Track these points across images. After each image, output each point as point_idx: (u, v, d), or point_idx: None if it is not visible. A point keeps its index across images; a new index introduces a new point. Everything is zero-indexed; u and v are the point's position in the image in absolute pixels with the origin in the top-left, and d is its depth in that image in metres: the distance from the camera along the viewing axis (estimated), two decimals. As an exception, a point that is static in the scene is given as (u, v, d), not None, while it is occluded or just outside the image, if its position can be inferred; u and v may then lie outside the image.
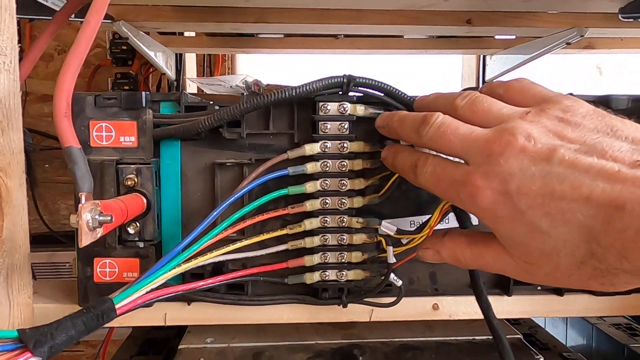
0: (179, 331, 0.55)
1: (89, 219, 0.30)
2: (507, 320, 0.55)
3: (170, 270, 0.35)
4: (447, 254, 0.33)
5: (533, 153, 0.26)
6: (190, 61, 1.10)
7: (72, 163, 0.32)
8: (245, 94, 0.56)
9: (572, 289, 0.45)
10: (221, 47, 0.95)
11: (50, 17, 0.45)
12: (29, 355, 0.28)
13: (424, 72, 1.36)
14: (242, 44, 0.92)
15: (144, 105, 0.40)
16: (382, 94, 0.40)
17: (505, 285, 0.45)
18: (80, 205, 0.30)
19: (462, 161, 0.29)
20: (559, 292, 0.45)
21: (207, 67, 1.24)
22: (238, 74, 1.28)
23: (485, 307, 0.37)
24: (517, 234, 0.27)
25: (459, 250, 0.32)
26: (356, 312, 0.44)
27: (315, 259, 0.41)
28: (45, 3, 0.46)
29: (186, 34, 0.97)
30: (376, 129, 0.40)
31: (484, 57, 1.08)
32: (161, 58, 0.90)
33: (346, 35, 0.93)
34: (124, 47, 1.18)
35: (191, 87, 1.06)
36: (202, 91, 0.96)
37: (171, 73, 0.97)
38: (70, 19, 0.46)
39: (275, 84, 0.72)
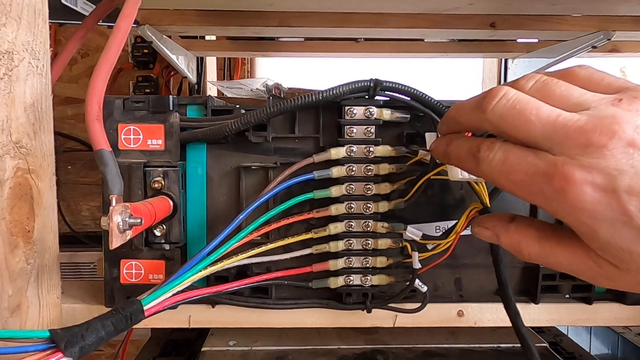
0: (201, 333, 0.56)
1: (120, 221, 0.30)
2: (532, 328, 0.54)
3: (196, 273, 0.35)
4: (508, 242, 0.29)
5: None
6: (211, 64, 1.11)
7: (103, 165, 0.32)
8: (269, 97, 0.56)
9: (601, 298, 0.44)
10: (242, 50, 0.96)
11: (80, 22, 0.46)
12: (61, 356, 0.28)
13: (444, 76, 1.35)
14: (263, 48, 0.93)
15: (171, 108, 0.40)
16: (409, 98, 0.40)
17: (532, 293, 0.44)
18: (111, 207, 0.30)
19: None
20: (587, 300, 0.44)
21: (227, 70, 1.25)
22: (257, 77, 1.29)
23: (513, 314, 0.36)
24: (620, 239, 0.23)
25: (525, 243, 0.28)
26: (380, 318, 0.43)
27: (340, 263, 0.41)
28: (74, 8, 0.47)
29: (207, 37, 0.98)
30: (401, 134, 0.40)
31: (506, 60, 1.07)
32: (183, 61, 0.91)
33: (366, 39, 0.93)
34: (146, 51, 1.19)
35: (212, 90, 1.07)
36: (223, 94, 0.97)
37: (192, 76, 0.98)
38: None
39: (296, 87, 0.72)
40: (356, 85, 0.39)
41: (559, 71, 0.28)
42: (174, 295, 0.34)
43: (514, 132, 0.25)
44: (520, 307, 0.38)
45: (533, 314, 0.44)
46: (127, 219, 0.31)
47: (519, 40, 0.93)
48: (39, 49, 0.35)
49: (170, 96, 0.40)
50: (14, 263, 0.33)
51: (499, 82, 1.13)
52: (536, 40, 0.90)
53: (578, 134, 0.23)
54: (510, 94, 0.26)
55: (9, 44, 0.32)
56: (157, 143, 0.40)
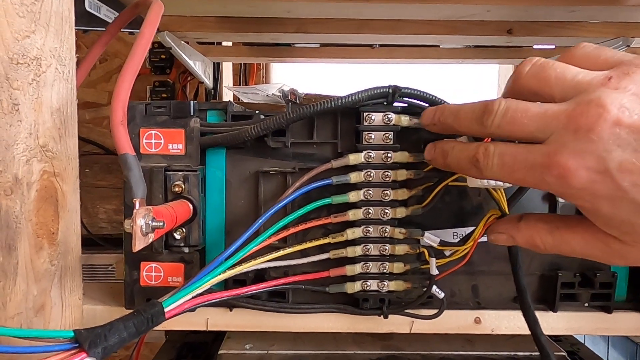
0: (216, 336, 0.56)
1: (143, 224, 0.31)
2: (549, 336, 0.53)
3: (215, 277, 0.36)
4: (523, 240, 0.31)
5: (629, 125, 0.24)
6: (227, 70, 1.12)
7: (128, 170, 0.33)
8: (287, 102, 0.56)
9: (621, 307, 0.43)
10: (258, 56, 0.97)
11: (103, 28, 0.47)
12: (84, 356, 0.29)
13: (459, 82, 1.34)
14: (279, 53, 0.93)
15: (192, 114, 0.41)
16: (428, 105, 0.40)
17: (550, 301, 0.44)
18: (135, 210, 0.31)
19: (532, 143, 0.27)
20: (607, 309, 0.43)
21: (243, 75, 1.26)
22: (272, 82, 1.30)
23: (532, 322, 0.36)
24: (620, 213, 0.25)
25: (538, 236, 0.30)
26: (396, 323, 0.43)
27: (357, 268, 0.41)
28: (98, 15, 0.48)
29: (224, 43, 0.99)
30: (419, 140, 0.40)
31: (522, 66, 1.06)
32: (200, 67, 0.92)
33: (382, 45, 0.93)
34: (163, 56, 1.21)
35: (227, 96, 1.08)
36: (239, 99, 0.98)
37: (209, 82, 0.99)
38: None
39: (313, 93, 0.73)
40: (375, 92, 0.39)
41: (560, 56, 0.30)
42: (193, 297, 0.35)
43: (513, 136, 0.28)
44: (538, 315, 0.38)
45: (551, 323, 0.43)
46: (150, 222, 0.31)
47: (535, 47, 0.92)
48: (65, 55, 0.36)
49: (191, 102, 0.41)
50: (39, 264, 0.34)
51: (515, 89, 1.12)
52: (553, 47, 0.90)
53: (567, 121, 0.25)
54: (502, 105, 0.28)
55: (38, 50, 0.33)
56: (177, 147, 0.41)
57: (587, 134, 0.24)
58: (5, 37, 0.30)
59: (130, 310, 0.32)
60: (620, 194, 0.24)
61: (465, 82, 1.36)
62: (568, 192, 0.26)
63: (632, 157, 0.24)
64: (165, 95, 1.21)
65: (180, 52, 0.76)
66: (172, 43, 0.71)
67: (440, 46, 0.93)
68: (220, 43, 0.98)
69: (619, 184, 0.24)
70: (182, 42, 0.78)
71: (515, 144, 0.28)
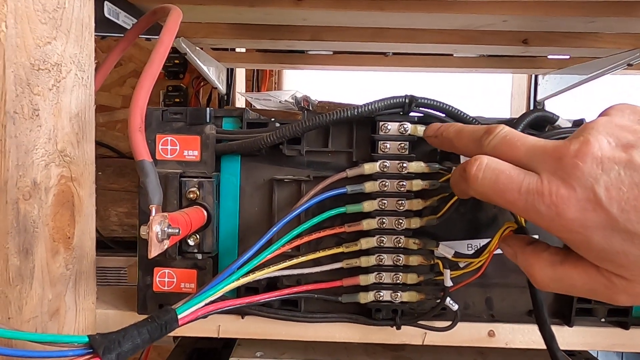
0: (226, 343, 0.56)
1: (159, 231, 0.31)
2: (564, 351, 0.53)
3: (229, 284, 0.35)
4: (522, 264, 0.31)
5: (612, 153, 0.25)
6: (240, 76, 1.13)
7: (145, 176, 0.33)
8: (302, 110, 0.56)
9: (638, 323, 0.43)
10: (272, 62, 0.97)
11: (121, 35, 0.48)
12: (98, 361, 0.29)
13: (472, 90, 1.34)
14: (292, 60, 0.94)
15: (207, 120, 0.41)
16: (444, 115, 0.40)
17: (566, 315, 0.43)
18: (151, 217, 0.31)
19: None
20: (624, 325, 0.43)
21: (255, 81, 1.26)
22: (284, 89, 1.30)
23: (549, 337, 0.36)
24: (613, 244, 0.25)
25: (538, 267, 0.29)
26: (409, 335, 0.43)
27: (370, 278, 0.41)
28: (116, 21, 0.49)
29: (237, 49, 0.99)
30: (434, 151, 0.40)
31: (536, 76, 1.06)
32: (213, 73, 0.92)
33: (395, 53, 0.93)
34: (177, 61, 1.22)
35: (240, 101, 1.09)
36: (252, 105, 0.98)
37: (222, 87, 0.99)
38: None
39: (326, 100, 0.73)
40: (391, 101, 0.39)
41: None
42: (206, 305, 0.35)
43: (505, 158, 0.29)
44: (553, 329, 0.37)
45: (567, 338, 0.43)
46: (165, 229, 0.31)
47: (550, 57, 0.92)
48: (84, 61, 0.37)
49: (207, 108, 0.41)
50: (55, 268, 0.34)
51: (528, 98, 1.11)
52: (568, 57, 0.89)
53: (553, 150, 0.26)
54: (504, 130, 0.30)
55: (58, 56, 0.34)
56: (193, 154, 0.41)
57: (573, 161, 0.25)
58: (28, 43, 0.31)
59: (144, 316, 0.32)
60: (611, 222, 0.24)
61: (479, 91, 1.36)
62: (558, 224, 0.26)
63: (617, 182, 0.24)
64: (178, 100, 1.22)
65: (194, 57, 0.77)
66: (187, 49, 0.72)
67: (454, 55, 0.93)
68: (234, 49, 0.99)
69: (608, 212, 0.24)
70: (197, 47, 0.79)
71: (510, 164, 0.28)
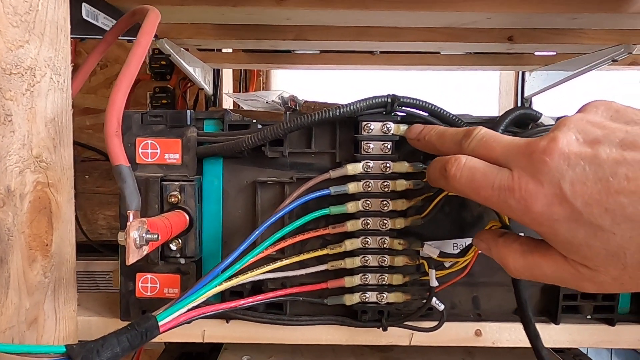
0: (214, 346, 0.56)
1: (137, 237, 0.30)
2: (552, 348, 0.53)
3: (212, 289, 0.35)
4: (496, 256, 0.32)
5: (578, 149, 0.26)
6: (227, 76, 1.12)
7: (122, 181, 0.32)
8: (285, 111, 0.56)
9: (624, 320, 0.43)
10: (258, 62, 0.97)
11: (100, 36, 0.47)
12: (76, 372, 0.28)
13: (460, 88, 1.34)
14: (279, 60, 0.93)
15: (188, 123, 0.40)
16: (427, 114, 0.39)
17: (552, 313, 0.43)
18: (128, 223, 0.30)
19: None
20: (610, 322, 0.43)
21: (243, 82, 1.25)
22: (272, 89, 1.29)
23: (533, 336, 0.36)
24: (577, 236, 0.26)
25: (511, 257, 0.30)
26: (396, 336, 0.43)
27: (356, 280, 0.40)
28: (95, 23, 0.48)
29: (224, 50, 0.99)
30: (418, 150, 0.40)
31: (523, 73, 1.06)
32: (199, 74, 0.92)
33: (382, 52, 0.93)
34: (163, 62, 1.21)
35: (227, 102, 1.08)
36: (239, 106, 0.98)
37: (209, 88, 0.99)
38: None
39: (312, 100, 0.73)
40: (373, 101, 0.38)
41: None
42: (189, 310, 0.34)
43: (483, 158, 0.30)
44: (540, 327, 0.37)
45: (553, 335, 0.43)
46: (143, 235, 0.31)
47: (536, 53, 0.92)
48: (60, 64, 0.36)
49: (188, 111, 0.40)
50: (32, 277, 0.34)
51: (516, 95, 1.11)
52: (554, 53, 0.89)
53: (525, 147, 0.27)
54: (482, 131, 0.31)
55: (32, 60, 0.33)
56: (174, 157, 0.40)
57: (541, 156, 0.26)
58: (-1, 47, 0.30)
59: (125, 323, 0.31)
60: (575, 215, 0.25)
61: (467, 88, 1.36)
62: (528, 217, 0.27)
63: (582, 177, 0.25)
64: (165, 102, 1.20)
65: (179, 59, 0.76)
66: (171, 50, 0.71)
67: (441, 53, 0.93)
68: (220, 50, 0.98)
69: (573, 206, 0.25)
70: (182, 49, 0.78)
71: (486, 163, 0.30)
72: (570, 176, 0.25)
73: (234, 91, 1.18)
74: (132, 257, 0.30)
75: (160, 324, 0.32)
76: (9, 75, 0.31)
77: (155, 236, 0.32)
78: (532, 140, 0.27)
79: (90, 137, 1.24)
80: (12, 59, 0.31)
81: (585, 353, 0.57)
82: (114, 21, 0.51)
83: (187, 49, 0.82)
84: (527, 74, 1.05)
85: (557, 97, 1.14)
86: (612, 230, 0.24)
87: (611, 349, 0.65)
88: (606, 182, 0.24)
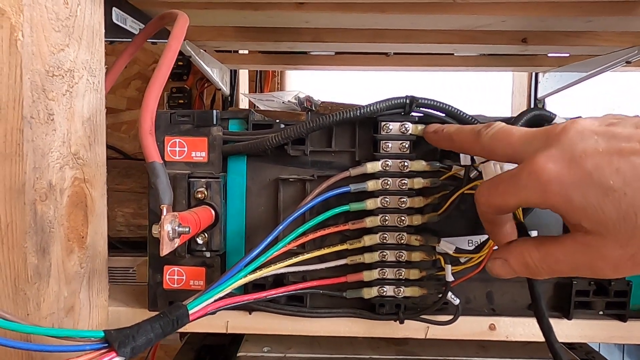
0: (234, 339, 0.57)
1: (170, 230, 0.32)
2: (564, 344, 0.54)
3: (237, 281, 0.37)
4: (515, 261, 0.31)
5: (593, 128, 0.27)
6: (243, 77, 1.14)
7: (155, 177, 0.34)
8: (305, 111, 0.58)
9: (636, 316, 0.44)
10: (274, 63, 0.98)
11: (129, 39, 0.49)
12: (114, 355, 0.30)
13: (473, 88, 1.35)
14: (295, 61, 0.95)
15: (214, 122, 0.42)
16: (444, 115, 0.41)
17: (565, 309, 0.44)
18: (162, 216, 0.32)
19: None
20: (622, 317, 0.44)
21: (259, 82, 1.27)
22: (287, 89, 1.31)
23: (546, 330, 0.37)
24: (589, 198, 0.26)
25: (527, 253, 0.30)
26: (412, 329, 0.44)
27: (374, 274, 0.42)
28: (124, 26, 0.50)
29: (241, 51, 1.01)
30: (435, 149, 0.41)
31: (536, 74, 1.06)
32: (217, 74, 0.94)
33: (396, 53, 0.94)
34: (180, 63, 1.23)
35: (244, 102, 1.10)
36: (255, 106, 0.99)
37: (226, 88, 1.01)
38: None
39: (329, 101, 0.74)
40: (392, 102, 0.40)
41: None
42: (215, 301, 0.36)
43: (500, 147, 0.31)
44: (552, 322, 0.38)
45: (566, 330, 0.44)
46: (176, 228, 0.33)
47: (549, 55, 0.93)
48: (95, 66, 0.38)
49: (214, 111, 0.42)
50: (70, 267, 0.36)
51: (529, 96, 1.12)
52: (567, 55, 0.90)
53: (543, 132, 0.29)
54: (501, 124, 0.32)
55: (71, 62, 0.35)
56: (200, 155, 0.42)
57: (557, 136, 0.27)
58: (43, 51, 0.32)
59: (154, 312, 0.33)
60: (586, 177, 0.26)
61: (481, 89, 1.37)
62: (540, 188, 0.27)
63: (594, 144, 0.26)
64: (182, 102, 1.23)
65: (199, 60, 0.78)
66: (191, 52, 0.73)
67: (455, 54, 0.94)
68: (237, 51, 1.00)
69: (583, 167, 0.26)
70: (201, 50, 0.80)
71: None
72: (582, 145, 0.26)
73: (249, 91, 1.20)
74: (166, 249, 0.32)
75: (190, 312, 0.34)
76: (51, 77, 0.33)
77: (187, 229, 0.33)
78: (551, 126, 0.29)
79: (109, 136, 1.26)
80: (54, 62, 0.33)
81: (597, 350, 0.58)
82: (141, 24, 0.53)
83: (205, 51, 0.84)
84: (540, 75, 1.05)
85: (570, 99, 1.14)
86: (624, 190, 0.25)
87: (623, 347, 0.66)
88: (618, 147, 0.25)
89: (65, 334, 0.30)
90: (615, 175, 0.25)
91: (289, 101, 0.88)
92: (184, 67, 1.23)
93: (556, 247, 0.29)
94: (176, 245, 0.34)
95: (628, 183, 0.25)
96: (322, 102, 0.72)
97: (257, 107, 1.00)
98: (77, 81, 0.36)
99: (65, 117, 0.35)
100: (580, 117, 0.32)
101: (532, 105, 1.09)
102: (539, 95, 1.06)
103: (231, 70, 1.03)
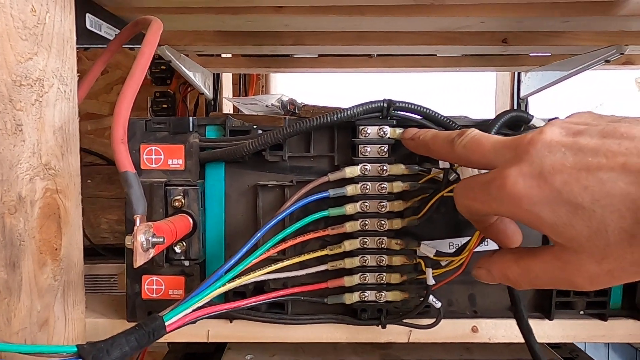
0: (218, 346, 0.57)
1: (144, 241, 0.31)
2: (548, 344, 0.54)
3: (216, 290, 0.36)
4: (496, 273, 0.32)
5: (560, 139, 0.27)
6: (227, 80, 1.13)
7: (128, 187, 0.33)
8: (285, 116, 0.57)
9: (616, 315, 0.44)
10: (257, 67, 0.98)
11: (104, 45, 0.48)
12: (87, 370, 0.29)
13: (457, 88, 1.35)
14: (278, 64, 0.94)
15: (191, 129, 0.41)
16: (421, 117, 0.41)
17: (546, 309, 0.44)
18: (135, 227, 0.32)
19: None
20: (602, 317, 0.44)
21: (243, 86, 1.27)
22: (272, 92, 1.31)
23: (526, 331, 0.37)
24: (560, 215, 0.26)
25: (507, 267, 0.31)
26: (395, 333, 0.44)
27: (355, 279, 0.42)
28: (99, 32, 0.49)
29: (223, 55, 1.00)
30: (414, 153, 0.41)
31: (519, 73, 1.07)
32: (200, 78, 0.93)
33: (379, 55, 0.94)
34: (163, 67, 1.22)
35: (228, 106, 1.09)
36: (239, 110, 0.99)
37: (209, 92, 1.00)
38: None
39: (311, 104, 0.74)
40: (370, 106, 0.40)
41: None
42: (194, 310, 0.35)
43: (473, 155, 0.31)
44: (534, 323, 0.39)
45: (547, 330, 0.44)
46: (150, 238, 0.32)
47: (531, 54, 0.93)
48: (67, 74, 0.37)
49: (190, 117, 0.42)
50: (43, 280, 0.35)
51: (512, 95, 1.13)
52: (548, 54, 0.91)
53: (512, 142, 0.29)
54: (474, 132, 0.32)
55: (40, 71, 0.34)
56: (177, 163, 0.42)
57: (526, 148, 0.27)
58: (9, 60, 0.31)
59: (132, 324, 0.33)
60: (555, 195, 0.26)
61: (464, 89, 1.37)
62: (508, 203, 0.27)
63: (562, 159, 0.26)
64: (165, 106, 1.21)
65: (179, 64, 0.77)
66: (171, 56, 0.72)
67: (438, 55, 0.94)
68: (219, 55, 0.99)
69: (552, 185, 0.26)
70: (182, 55, 0.79)
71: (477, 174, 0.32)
72: (550, 160, 0.26)
73: (233, 95, 1.19)
74: (140, 260, 0.31)
75: (166, 323, 0.33)
76: (19, 86, 0.32)
77: (161, 239, 0.33)
78: (520, 136, 0.29)
79: (92, 142, 1.25)
80: (21, 71, 0.32)
81: (583, 349, 0.58)
82: (117, 30, 0.53)
83: (187, 55, 0.83)
84: (522, 74, 1.06)
85: (553, 97, 1.15)
86: (593, 207, 0.25)
87: (608, 345, 0.67)
88: (585, 163, 0.25)
89: (36, 350, 0.29)
90: (584, 193, 0.25)
91: (272, 105, 0.88)
92: (167, 71, 1.22)
93: (535, 263, 0.29)
94: (151, 255, 0.33)
95: (596, 200, 0.25)
96: (305, 105, 0.71)
97: (241, 111, 0.99)
98: (47, 90, 0.35)
99: (34, 127, 0.34)
100: (557, 118, 0.32)
101: (515, 105, 1.10)
102: (522, 94, 1.07)
103: (214, 74, 1.02)
